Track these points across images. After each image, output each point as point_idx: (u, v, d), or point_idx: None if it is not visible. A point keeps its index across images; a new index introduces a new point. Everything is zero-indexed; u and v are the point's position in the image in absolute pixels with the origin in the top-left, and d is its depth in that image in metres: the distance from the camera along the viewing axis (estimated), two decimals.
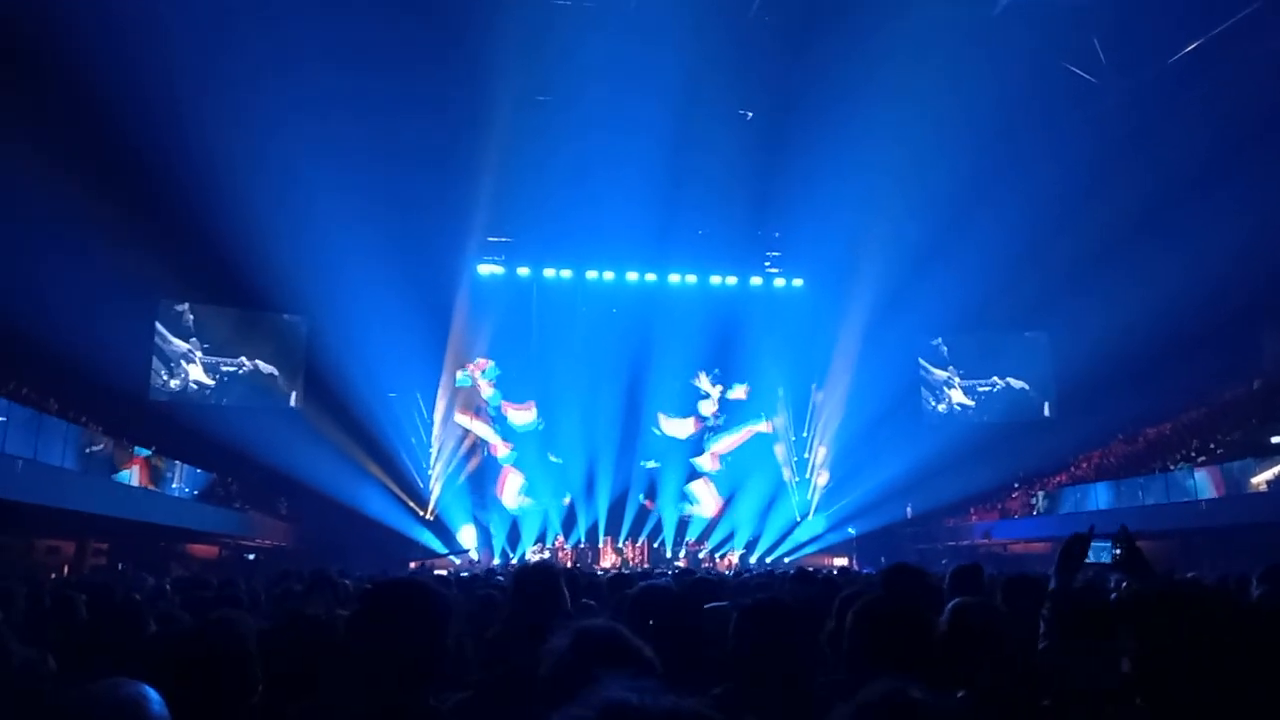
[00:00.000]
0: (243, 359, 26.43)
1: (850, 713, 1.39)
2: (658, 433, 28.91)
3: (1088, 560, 2.87)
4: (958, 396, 30.27)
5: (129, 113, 17.92)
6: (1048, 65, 21.98)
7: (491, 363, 28.50)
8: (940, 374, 30.39)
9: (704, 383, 29.55)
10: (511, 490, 27.73)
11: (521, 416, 28.40)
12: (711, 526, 27.84)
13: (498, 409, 28.44)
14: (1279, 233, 19.76)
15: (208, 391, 26.02)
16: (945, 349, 30.39)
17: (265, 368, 26.63)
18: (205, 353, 25.99)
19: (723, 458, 29.24)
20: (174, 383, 25.63)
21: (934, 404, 30.33)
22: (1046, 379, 29.41)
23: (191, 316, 25.92)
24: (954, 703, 1.85)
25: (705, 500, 28.42)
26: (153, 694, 1.58)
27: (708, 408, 29.60)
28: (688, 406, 29.35)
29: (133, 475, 18.15)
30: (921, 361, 30.35)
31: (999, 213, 23.23)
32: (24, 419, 14.56)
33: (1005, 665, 2.51)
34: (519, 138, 22.57)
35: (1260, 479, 18.84)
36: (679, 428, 29.14)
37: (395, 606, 2.29)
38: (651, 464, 28.40)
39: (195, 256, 22.49)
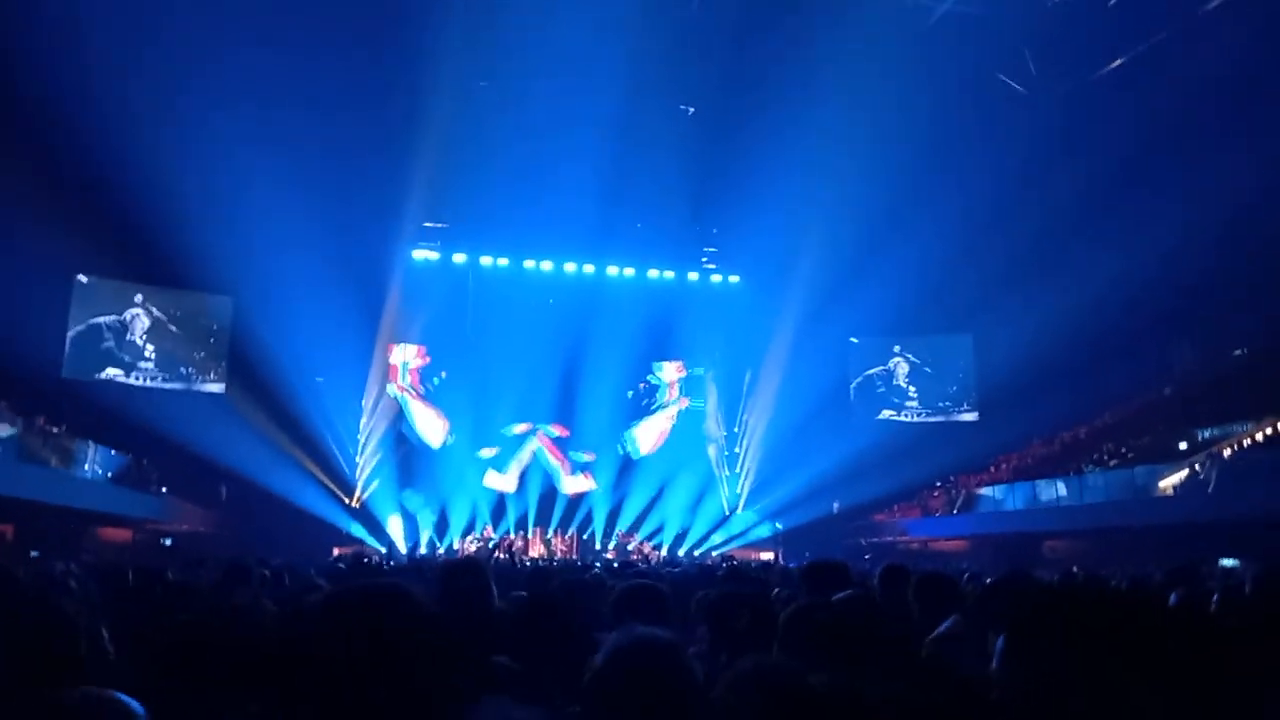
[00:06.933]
0: (166, 338, 25.54)
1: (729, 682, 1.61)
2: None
3: None
4: (888, 398, 30.80)
5: (50, 86, 17.24)
6: (980, 74, 22.55)
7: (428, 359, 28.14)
8: (871, 372, 30.89)
9: (666, 373, 29.67)
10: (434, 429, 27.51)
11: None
12: (641, 518, 27.89)
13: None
14: (1193, 245, 20.56)
15: (131, 371, 25.09)
16: (877, 349, 30.90)
17: (191, 347, 25.80)
18: (125, 331, 25.06)
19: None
20: (103, 364, 24.69)
21: (865, 403, 30.81)
22: (971, 381, 30.11)
23: (109, 293, 24.98)
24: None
25: (645, 439, 28.84)
26: (135, 704, 1.52)
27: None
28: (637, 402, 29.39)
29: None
30: (857, 363, 30.84)
31: (933, 215, 23.69)
32: None
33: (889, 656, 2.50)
34: (458, 124, 22.18)
35: (1168, 483, 19.61)
36: (646, 435, 29.18)
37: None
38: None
39: (115, 233, 21.57)
